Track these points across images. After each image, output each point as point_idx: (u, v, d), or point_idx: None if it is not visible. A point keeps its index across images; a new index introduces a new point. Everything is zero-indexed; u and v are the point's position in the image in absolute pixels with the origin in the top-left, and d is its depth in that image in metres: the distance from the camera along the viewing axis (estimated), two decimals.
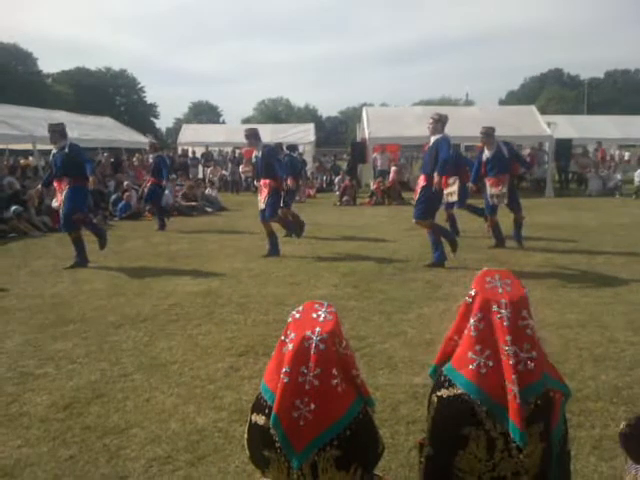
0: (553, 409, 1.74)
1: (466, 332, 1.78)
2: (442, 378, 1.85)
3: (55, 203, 8.38)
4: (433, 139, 7.37)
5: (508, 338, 1.66)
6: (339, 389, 1.73)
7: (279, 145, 10.96)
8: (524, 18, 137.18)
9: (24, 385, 3.93)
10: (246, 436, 1.94)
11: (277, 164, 8.54)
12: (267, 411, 1.77)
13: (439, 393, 1.82)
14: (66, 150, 7.71)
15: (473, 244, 8.89)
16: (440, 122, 7.32)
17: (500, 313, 1.70)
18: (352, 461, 1.79)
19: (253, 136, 8.78)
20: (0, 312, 5.67)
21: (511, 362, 1.65)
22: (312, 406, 1.69)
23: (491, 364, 1.70)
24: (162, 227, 11.55)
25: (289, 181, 9.05)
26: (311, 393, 1.69)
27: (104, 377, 4.02)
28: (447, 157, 7.14)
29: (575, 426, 3.11)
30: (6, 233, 10.40)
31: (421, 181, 7.54)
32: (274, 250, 8.47)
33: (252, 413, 1.88)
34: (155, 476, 2.82)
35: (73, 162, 7.68)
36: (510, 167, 8.69)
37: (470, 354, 1.74)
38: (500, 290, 1.75)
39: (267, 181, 8.49)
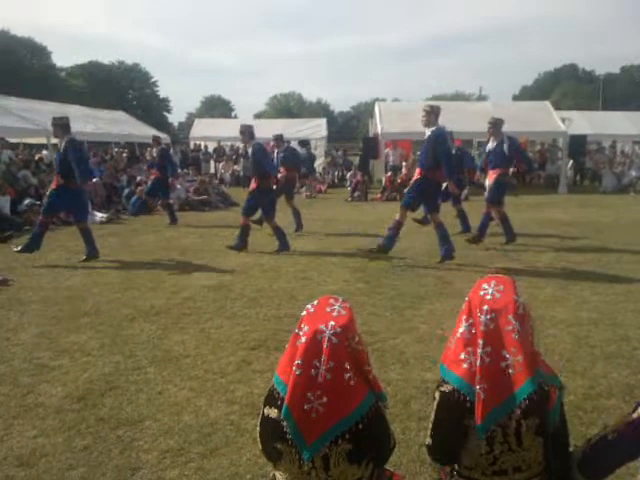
0: (548, 402, 1.79)
1: (459, 335, 1.88)
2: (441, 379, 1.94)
3: None
4: (428, 131, 7.32)
5: (480, 341, 1.76)
6: (351, 383, 1.73)
7: (279, 137, 10.78)
8: (538, 13, 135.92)
9: (39, 376, 3.98)
10: (258, 429, 1.95)
11: (265, 161, 8.45)
12: (280, 403, 1.78)
13: (442, 389, 1.88)
14: (63, 147, 7.59)
15: (486, 240, 8.85)
16: (433, 113, 7.27)
17: (480, 318, 1.79)
18: (364, 455, 1.80)
19: (246, 133, 8.70)
20: (16, 304, 5.75)
21: (478, 364, 1.75)
22: (324, 399, 1.70)
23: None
24: (174, 221, 11.60)
25: (280, 173, 8.97)
26: (323, 386, 1.69)
27: (118, 370, 4.07)
28: (449, 153, 7.18)
29: (587, 424, 3.11)
30: (21, 226, 10.50)
31: (416, 174, 7.51)
32: (283, 245, 8.43)
33: (265, 406, 1.89)
34: (168, 468, 2.86)
35: (66, 161, 7.51)
36: (507, 163, 8.52)
37: (463, 355, 1.84)
38: (489, 297, 1.82)
39: (253, 179, 8.54)
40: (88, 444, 3.09)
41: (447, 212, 10.06)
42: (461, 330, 1.88)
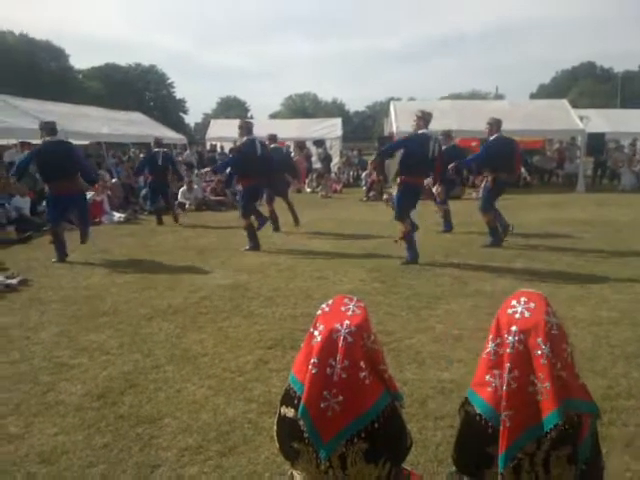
0: (580, 431, 1.70)
1: (485, 355, 1.79)
2: (466, 398, 1.87)
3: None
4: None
5: (507, 365, 1.67)
6: (367, 382, 1.74)
7: (271, 137, 10.82)
8: (556, 10, 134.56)
9: (59, 375, 4.03)
10: (275, 429, 1.96)
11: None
12: (296, 402, 1.79)
13: (467, 408, 1.83)
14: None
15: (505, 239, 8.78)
16: (423, 119, 7.36)
17: (507, 339, 1.69)
18: (380, 454, 1.80)
19: (244, 128, 8.81)
20: (36, 303, 5.84)
21: (504, 389, 1.66)
22: (340, 397, 1.70)
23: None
24: (160, 222, 11.81)
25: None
26: (339, 385, 1.70)
27: (137, 368, 4.11)
28: (407, 157, 7.19)
29: (607, 424, 3.08)
30: (40, 227, 10.65)
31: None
32: (252, 243, 8.56)
33: (281, 406, 1.90)
34: (187, 465, 2.88)
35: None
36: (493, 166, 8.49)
37: (487, 377, 1.76)
38: (517, 315, 1.71)
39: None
40: (108, 442, 3.12)
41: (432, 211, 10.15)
42: (487, 350, 1.78)
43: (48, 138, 7.92)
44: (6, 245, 9.32)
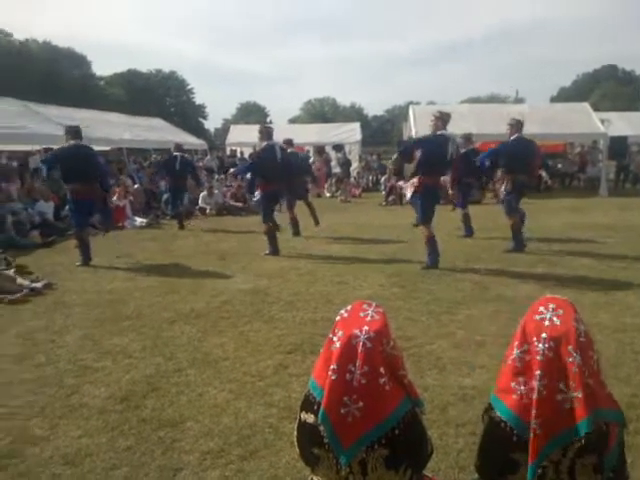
0: (607, 440, 1.67)
1: (510, 362, 1.76)
2: (489, 404, 1.85)
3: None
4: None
5: (537, 372, 1.64)
6: (386, 388, 1.72)
7: (287, 141, 10.91)
8: (576, 11, 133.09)
9: (83, 378, 4.10)
10: (296, 434, 1.97)
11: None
12: (316, 408, 1.79)
13: (491, 414, 1.80)
14: None
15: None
16: (441, 120, 7.26)
17: (537, 347, 1.66)
18: (401, 461, 1.79)
19: (263, 133, 8.85)
20: (60, 307, 5.93)
21: (534, 397, 1.63)
22: (360, 403, 1.69)
23: (532, 396, 1.68)
24: (181, 226, 11.94)
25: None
26: (359, 391, 1.69)
27: (159, 371, 4.16)
28: (425, 158, 7.12)
29: (632, 433, 3.04)
30: (63, 231, 10.83)
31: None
32: (271, 248, 8.62)
33: (301, 411, 1.90)
34: (208, 469, 2.91)
35: None
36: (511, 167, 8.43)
37: (513, 384, 1.73)
38: (546, 322, 1.68)
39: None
40: (131, 444, 3.16)
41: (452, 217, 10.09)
42: (512, 357, 1.75)
43: (72, 142, 8.07)
44: (30, 250, 9.49)
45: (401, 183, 9.16)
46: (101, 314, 5.65)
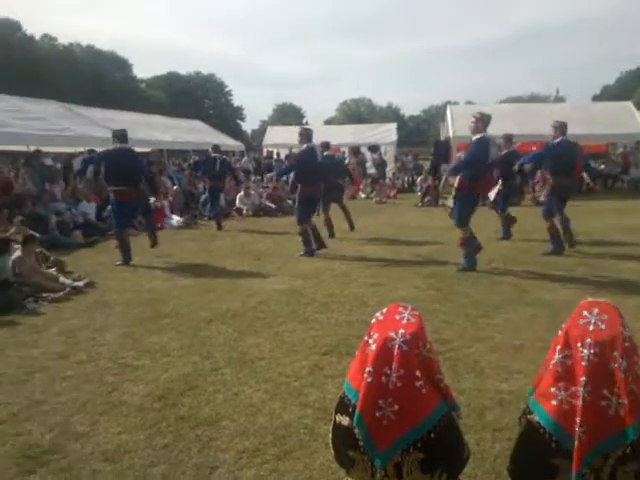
0: None
1: (551, 367, 1.72)
2: (527, 407, 1.81)
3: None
4: (473, 139, 7.22)
5: (583, 379, 1.60)
6: (423, 391, 1.71)
7: (324, 144, 10.88)
8: (620, 6, 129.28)
9: (123, 375, 4.19)
10: (331, 436, 1.97)
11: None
12: (351, 410, 1.78)
13: (530, 417, 1.76)
14: None
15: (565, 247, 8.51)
16: (482, 121, 7.16)
17: (582, 352, 1.62)
18: (437, 465, 1.77)
19: (303, 135, 8.89)
20: (101, 306, 6.08)
21: (579, 403, 1.60)
22: (395, 407, 1.68)
23: (573, 402, 1.64)
24: (219, 227, 12.04)
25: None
26: (394, 393, 1.68)
27: (196, 370, 4.22)
28: (469, 159, 7.08)
29: None
30: (105, 231, 11.09)
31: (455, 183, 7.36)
32: (306, 249, 8.66)
33: (336, 414, 1.90)
34: (244, 468, 2.94)
35: None
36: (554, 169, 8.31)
37: (553, 389, 1.69)
38: (591, 327, 1.64)
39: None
40: (168, 442, 3.21)
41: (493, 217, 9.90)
42: (553, 362, 1.72)
43: (119, 145, 8.27)
44: (73, 249, 9.75)
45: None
46: (140, 313, 5.76)
